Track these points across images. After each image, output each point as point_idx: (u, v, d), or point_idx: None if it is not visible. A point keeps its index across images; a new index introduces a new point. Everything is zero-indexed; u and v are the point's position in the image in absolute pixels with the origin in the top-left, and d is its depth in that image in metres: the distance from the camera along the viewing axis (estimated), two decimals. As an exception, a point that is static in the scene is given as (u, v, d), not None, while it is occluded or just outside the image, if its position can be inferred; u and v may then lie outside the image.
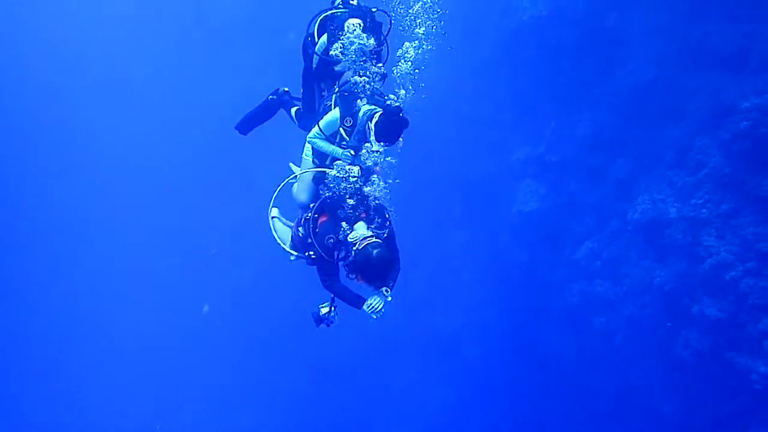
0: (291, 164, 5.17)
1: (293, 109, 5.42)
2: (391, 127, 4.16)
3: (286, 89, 5.54)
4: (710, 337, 9.57)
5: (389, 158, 4.46)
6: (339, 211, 4.19)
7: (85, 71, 21.46)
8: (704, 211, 9.94)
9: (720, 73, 10.38)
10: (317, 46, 4.85)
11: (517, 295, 14.55)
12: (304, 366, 17.07)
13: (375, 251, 3.84)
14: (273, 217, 5.02)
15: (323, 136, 4.54)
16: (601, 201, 12.67)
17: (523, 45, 13.85)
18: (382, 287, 4.16)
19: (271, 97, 5.52)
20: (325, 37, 4.80)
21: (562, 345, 13.28)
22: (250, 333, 18.01)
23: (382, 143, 4.21)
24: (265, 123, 5.71)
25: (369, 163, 4.35)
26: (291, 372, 17.31)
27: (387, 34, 4.76)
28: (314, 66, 4.92)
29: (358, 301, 4.16)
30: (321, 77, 4.95)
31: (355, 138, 4.40)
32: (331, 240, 4.11)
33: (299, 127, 5.32)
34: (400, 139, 4.32)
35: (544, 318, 13.84)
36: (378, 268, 3.89)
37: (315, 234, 4.22)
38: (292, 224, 4.91)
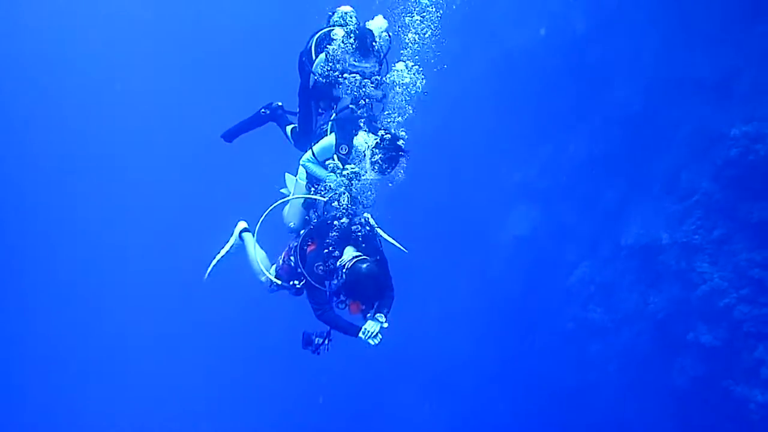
0: (287, 175, 5.03)
1: (289, 127, 5.20)
2: (388, 158, 4.04)
3: (280, 103, 5.32)
4: (706, 365, 9.48)
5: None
6: (327, 239, 4.06)
7: (83, 73, 21.48)
8: (696, 237, 9.96)
9: (707, 101, 10.55)
10: (314, 65, 4.69)
11: (512, 321, 14.42)
12: (292, 396, 16.69)
13: (365, 266, 3.74)
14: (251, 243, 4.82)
15: (317, 161, 4.43)
16: (593, 226, 12.71)
17: (515, 71, 14.07)
18: (375, 308, 4.00)
19: (263, 110, 5.31)
20: (323, 56, 4.64)
21: (558, 371, 13.11)
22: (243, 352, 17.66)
23: (377, 172, 4.08)
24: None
25: (361, 192, 4.24)
26: (280, 399, 16.92)
27: (386, 54, 4.59)
28: (311, 84, 4.76)
29: (353, 330, 3.98)
30: (318, 96, 4.79)
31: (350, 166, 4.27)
32: (320, 268, 3.97)
33: (295, 146, 5.14)
34: (401, 170, 4.19)
35: (540, 344, 13.70)
36: (369, 283, 3.77)
37: (304, 263, 4.08)
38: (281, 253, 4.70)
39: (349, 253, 3.94)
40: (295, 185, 4.74)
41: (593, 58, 12.65)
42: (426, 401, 16.05)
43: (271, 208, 4.59)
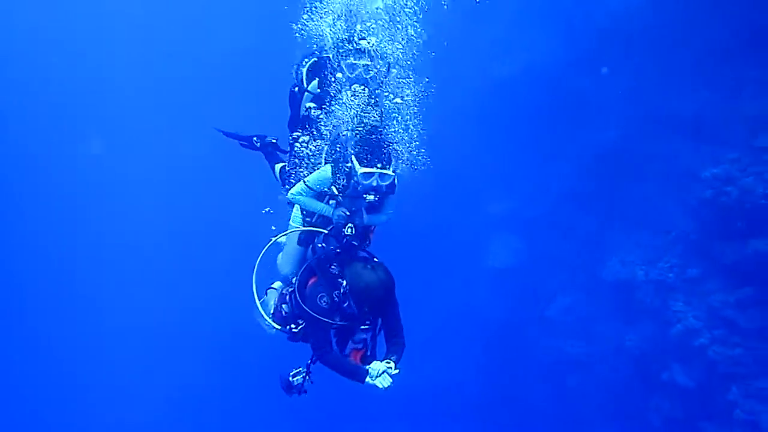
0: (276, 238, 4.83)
1: (278, 166, 5.00)
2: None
3: (274, 140, 5.14)
4: (681, 405, 9.50)
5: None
6: (330, 268, 3.90)
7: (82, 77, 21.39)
8: (671, 275, 10.06)
9: (683, 138, 10.72)
10: (305, 96, 4.55)
11: (492, 351, 14.34)
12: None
13: (368, 266, 3.68)
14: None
15: (311, 193, 4.21)
16: (573, 258, 12.75)
17: (497, 102, 14.17)
18: (379, 327, 3.85)
19: (255, 139, 5.17)
20: (315, 83, 4.51)
21: (536, 403, 13.04)
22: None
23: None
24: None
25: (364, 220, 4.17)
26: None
27: (385, 79, 4.43)
28: (303, 114, 4.57)
29: (359, 372, 3.67)
30: (310, 128, 4.60)
31: (349, 198, 4.16)
32: (324, 300, 3.77)
33: (283, 187, 4.85)
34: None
35: (519, 375, 13.62)
36: (377, 285, 3.60)
37: (305, 299, 3.84)
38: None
39: None
40: (288, 229, 4.53)
41: (574, 91, 12.82)
42: (405, 430, 15.83)
43: (268, 245, 4.37)
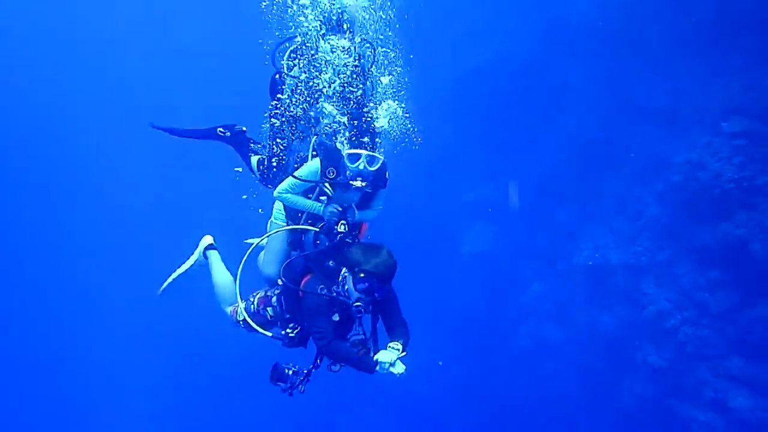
0: (251, 240, 4.55)
1: (254, 158, 4.65)
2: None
3: (244, 129, 4.81)
4: (653, 385, 9.75)
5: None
6: (328, 264, 3.79)
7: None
8: (643, 258, 10.26)
9: (655, 126, 10.91)
10: (287, 83, 4.33)
11: (468, 336, 14.48)
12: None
13: (369, 247, 3.62)
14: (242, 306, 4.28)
15: (301, 187, 4.04)
16: (548, 244, 12.91)
17: (474, 91, 14.16)
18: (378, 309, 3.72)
19: (221, 130, 4.77)
20: (296, 71, 4.32)
21: (514, 388, 13.24)
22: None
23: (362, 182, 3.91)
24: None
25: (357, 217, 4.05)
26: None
27: (371, 67, 4.24)
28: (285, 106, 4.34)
29: (367, 361, 3.54)
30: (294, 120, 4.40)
31: (340, 190, 4.02)
32: (324, 290, 3.69)
33: (260, 181, 4.63)
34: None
35: (495, 360, 13.79)
36: (384, 258, 3.53)
37: (303, 295, 3.72)
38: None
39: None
40: (269, 226, 4.32)
41: (548, 80, 12.87)
42: (381, 416, 15.92)
43: (249, 250, 4.16)
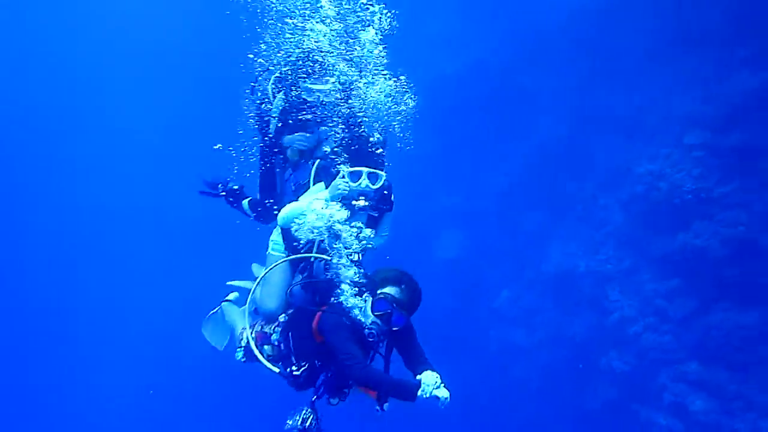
0: (254, 265, 4.42)
1: (246, 201, 4.67)
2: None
3: (236, 187, 4.76)
4: (617, 389, 10.01)
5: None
6: (342, 290, 3.46)
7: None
8: (609, 266, 10.53)
9: (619, 136, 11.20)
10: (274, 104, 4.22)
11: (440, 341, 14.54)
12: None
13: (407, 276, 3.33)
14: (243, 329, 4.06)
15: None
16: (517, 250, 13.11)
17: (443, 98, 14.29)
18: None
19: (219, 186, 4.76)
20: (281, 96, 4.20)
21: (484, 392, 13.40)
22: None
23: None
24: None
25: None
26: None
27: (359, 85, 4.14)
28: (273, 135, 4.23)
29: (408, 385, 3.07)
30: (281, 149, 4.23)
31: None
32: (349, 319, 3.34)
33: (255, 219, 4.54)
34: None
35: (467, 365, 13.94)
36: (411, 282, 3.32)
37: (323, 330, 3.35)
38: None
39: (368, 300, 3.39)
40: (267, 259, 4.03)
41: (517, 89, 13.09)
42: (352, 420, 15.91)
43: (254, 286, 3.90)
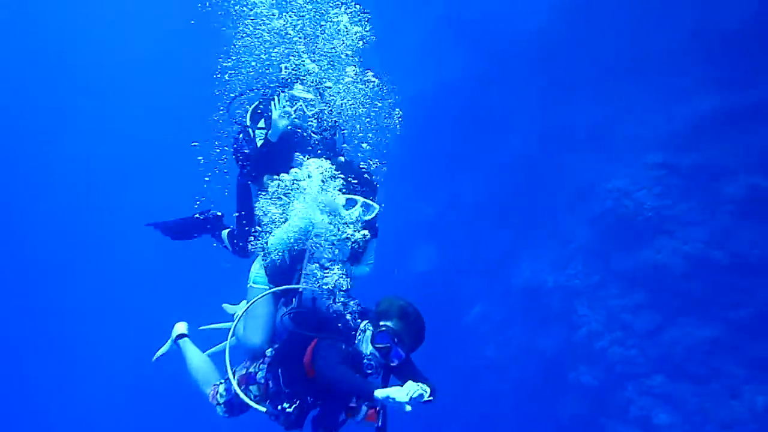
0: (225, 306, 4.28)
1: (225, 232, 4.51)
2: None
3: (220, 213, 4.58)
4: (586, 403, 10.14)
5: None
6: (338, 323, 3.33)
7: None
8: (577, 281, 10.73)
9: (586, 153, 11.50)
10: (257, 135, 4.10)
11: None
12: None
13: (403, 303, 3.17)
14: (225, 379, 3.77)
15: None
16: (488, 265, 13.27)
17: (417, 115, 14.44)
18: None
19: (197, 216, 4.57)
20: (262, 123, 4.12)
21: (456, 407, 13.44)
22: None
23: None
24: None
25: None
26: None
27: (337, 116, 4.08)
28: (252, 165, 4.08)
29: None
30: (258, 179, 4.11)
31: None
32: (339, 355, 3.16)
33: (234, 252, 4.39)
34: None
35: (440, 378, 13.95)
36: (416, 317, 3.15)
37: (316, 364, 3.15)
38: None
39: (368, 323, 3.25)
40: (249, 292, 3.86)
41: (486, 106, 13.34)
42: None
43: (247, 306, 3.67)
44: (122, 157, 20.84)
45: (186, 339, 4.24)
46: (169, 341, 4.32)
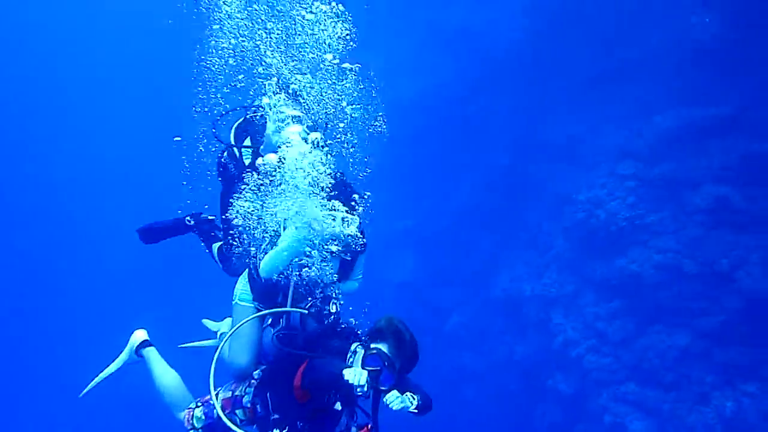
0: (206, 321, 4.16)
1: (216, 246, 4.31)
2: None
3: (211, 217, 4.40)
4: (562, 410, 10.25)
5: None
6: (331, 344, 3.24)
7: None
8: (553, 290, 10.88)
9: (562, 164, 11.72)
10: (243, 153, 3.97)
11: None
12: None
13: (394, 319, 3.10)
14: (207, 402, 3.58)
15: (285, 262, 3.57)
16: (467, 274, 13.37)
17: (399, 124, 14.56)
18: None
19: (188, 219, 4.40)
20: (248, 142, 3.97)
21: (435, 415, 13.44)
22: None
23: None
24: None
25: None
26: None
27: (326, 130, 3.97)
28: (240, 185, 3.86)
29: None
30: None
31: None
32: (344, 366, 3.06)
33: (224, 269, 4.23)
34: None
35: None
36: (410, 343, 3.07)
37: (310, 382, 3.07)
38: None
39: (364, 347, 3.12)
40: (235, 310, 3.74)
41: (468, 117, 13.52)
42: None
43: (235, 328, 3.48)
44: (111, 158, 20.56)
45: (150, 348, 3.96)
46: (126, 351, 4.00)
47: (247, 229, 3.71)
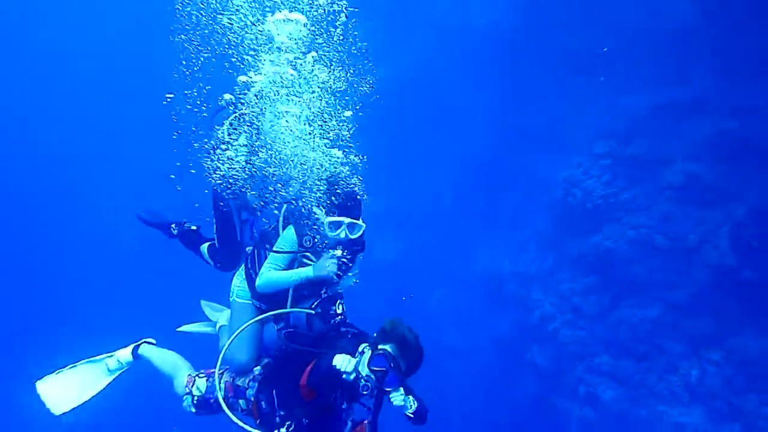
0: (204, 303, 4.23)
1: (204, 246, 4.36)
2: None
3: (195, 228, 4.40)
4: (539, 382, 10.64)
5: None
6: (338, 343, 3.28)
7: None
8: (532, 267, 11.18)
9: (540, 145, 11.93)
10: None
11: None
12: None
13: (404, 326, 3.15)
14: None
15: (282, 266, 3.60)
16: (448, 254, 13.63)
17: (383, 106, 14.62)
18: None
19: (173, 226, 4.44)
20: (243, 139, 3.92)
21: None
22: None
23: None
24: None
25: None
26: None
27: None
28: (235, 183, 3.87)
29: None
30: (242, 195, 3.95)
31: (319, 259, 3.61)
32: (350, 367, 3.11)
33: (217, 267, 4.27)
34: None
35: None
36: (416, 345, 3.16)
37: (316, 379, 3.11)
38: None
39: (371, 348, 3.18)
40: (234, 307, 3.78)
41: (448, 99, 13.63)
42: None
43: (237, 332, 3.49)
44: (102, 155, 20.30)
45: (144, 345, 4.06)
46: (124, 365, 4.05)
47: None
